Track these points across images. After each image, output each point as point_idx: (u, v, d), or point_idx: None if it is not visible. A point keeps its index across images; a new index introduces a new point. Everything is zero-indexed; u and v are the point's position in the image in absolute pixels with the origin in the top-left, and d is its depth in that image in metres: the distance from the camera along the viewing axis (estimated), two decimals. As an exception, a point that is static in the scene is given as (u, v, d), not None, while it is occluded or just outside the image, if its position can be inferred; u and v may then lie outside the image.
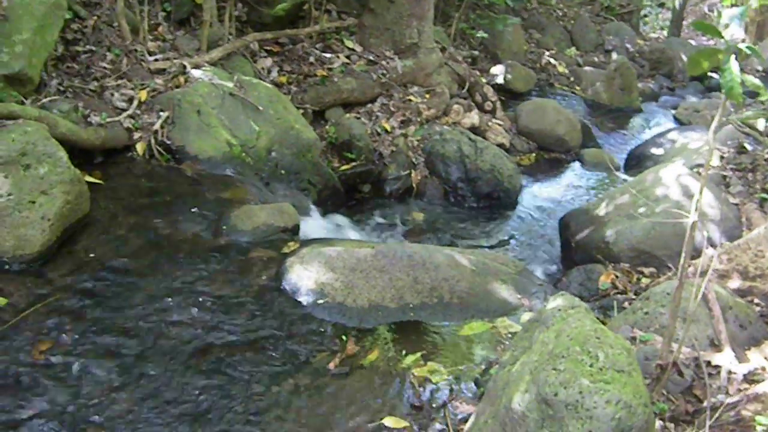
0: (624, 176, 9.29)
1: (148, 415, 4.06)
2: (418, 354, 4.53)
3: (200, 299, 4.82)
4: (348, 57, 9.16)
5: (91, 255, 5.14)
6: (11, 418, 3.98)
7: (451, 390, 4.30)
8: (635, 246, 6.13)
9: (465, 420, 4.00)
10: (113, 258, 5.11)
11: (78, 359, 4.35)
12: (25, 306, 4.67)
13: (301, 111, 7.67)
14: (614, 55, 14.62)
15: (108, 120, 6.29)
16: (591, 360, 3.07)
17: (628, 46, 15.75)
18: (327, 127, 8.12)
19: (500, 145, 9.07)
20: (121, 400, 4.12)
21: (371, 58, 9.25)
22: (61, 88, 6.43)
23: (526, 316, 4.91)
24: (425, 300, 4.89)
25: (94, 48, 7.04)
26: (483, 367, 4.48)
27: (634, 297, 5.51)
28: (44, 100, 6.08)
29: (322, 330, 4.67)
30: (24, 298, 4.74)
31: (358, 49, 9.41)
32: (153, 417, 4.05)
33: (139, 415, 4.05)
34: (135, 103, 6.61)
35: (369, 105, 8.75)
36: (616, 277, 5.90)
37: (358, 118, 8.34)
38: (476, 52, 12.24)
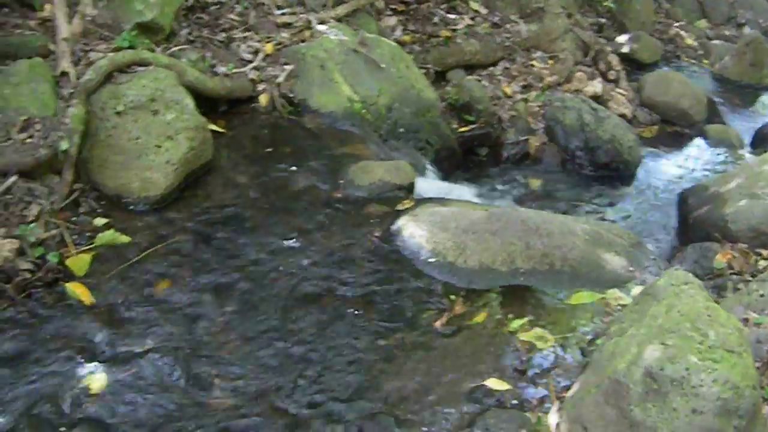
0: (749, 155, 8.99)
1: (257, 355, 4.21)
2: (525, 319, 4.51)
3: (314, 249, 4.93)
4: (472, 19, 9.09)
5: (212, 200, 5.31)
6: (129, 351, 4.18)
7: (556, 357, 4.27)
8: (755, 226, 5.93)
9: (568, 388, 3.98)
10: (232, 204, 5.27)
11: (193, 299, 4.51)
12: (146, 245, 4.87)
13: (423, 71, 7.66)
14: (747, 30, 14.06)
15: (234, 71, 6.43)
16: (701, 337, 3.02)
17: (762, 20, 15.14)
18: (448, 88, 8.09)
19: (622, 116, 8.87)
20: (232, 340, 4.28)
21: (496, 20, 9.16)
22: (191, 38, 6.59)
23: (637, 290, 4.83)
24: (536, 266, 4.86)
25: (223, 0, 7.18)
26: (590, 337, 4.43)
27: (750, 279, 5.36)
28: (174, 49, 6.26)
29: (431, 288, 4.70)
30: (146, 238, 4.94)
31: (483, 11, 9.33)
32: (261, 357, 4.19)
33: (248, 355, 4.20)
34: (260, 55, 6.74)
35: (491, 68, 8.68)
36: (733, 257, 5.73)
37: (479, 81, 8.29)
38: (603, 20, 11.95)
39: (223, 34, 6.85)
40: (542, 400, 3.98)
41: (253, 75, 6.52)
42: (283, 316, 4.44)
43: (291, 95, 6.50)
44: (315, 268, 4.78)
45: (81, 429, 3.68)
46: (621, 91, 9.62)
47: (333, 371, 4.13)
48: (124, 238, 4.88)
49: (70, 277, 4.59)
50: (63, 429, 3.70)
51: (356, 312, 4.49)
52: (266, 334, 4.33)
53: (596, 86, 9.12)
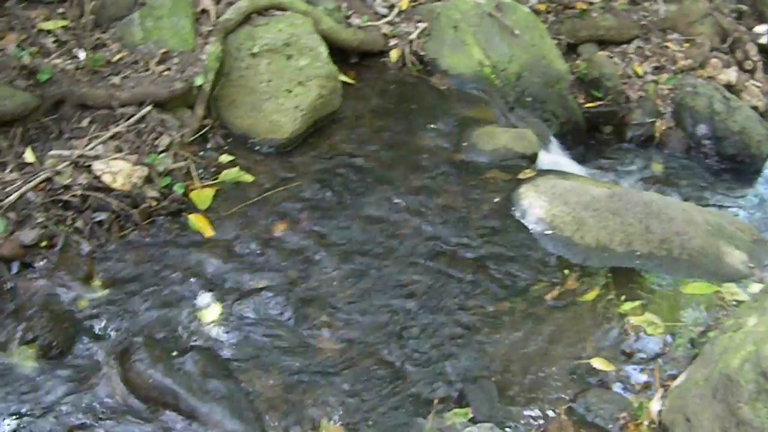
0: None
1: (367, 305, 4.27)
2: (637, 303, 4.44)
3: (431, 208, 4.95)
4: (610, -7, 8.90)
5: (335, 149, 5.36)
6: (243, 286, 4.29)
7: (664, 344, 4.20)
8: None
9: (674, 377, 3.92)
10: (355, 156, 5.32)
11: (309, 244, 4.59)
12: (268, 186, 4.97)
13: (555, 41, 7.54)
14: None
15: (367, 23, 6.45)
16: (823, 341, 2.94)
17: None
18: (578, 61, 7.94)
19: (754, 108, 8.57)
20: (344, 288, 4.35)
21: (634, -3, 8.95)
22: (328, -13, 6.63)
23: (755, 287, 4.70)
24: (654, 250, 4.77)
25: (363, -50, 7.20)
26: (701, 328, 4.34)
27: None
28: (311, -4, 6.31)
29: (546, 260, 4.67)
30: (269, 180, 5.03)
31: (623, -14, 9.12)
32: (371, 308, 4.26)
33: (358, 305, 4.27)
34: (395, 10, 6.73)
35: (624, 45, 8.47)
36: None
37: (611, 58, 8.11)
38: (744, 7, 11.56)
39: (361, -14, 6.87)
40: (646, 386, 3.94)
41: (386, 30, 6.52)
42: (395, 271, 4.49)
43: (422, 53, 6.49)
44: (431, 227, 4.80)
45: (192, 355, 3.79)
46: (756, 82, 9.30)
47: (440, 330, 4.16)
48: (248, 177, 4.98)
49: (193, 209, 4.73)
50: (175, 353, 3.82)
51: (469, 275, 4.50)
52: (378, 286, 4.38)
53: (731, 75, 8.83)
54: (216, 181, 4.92)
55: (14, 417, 3.57)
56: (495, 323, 4.24)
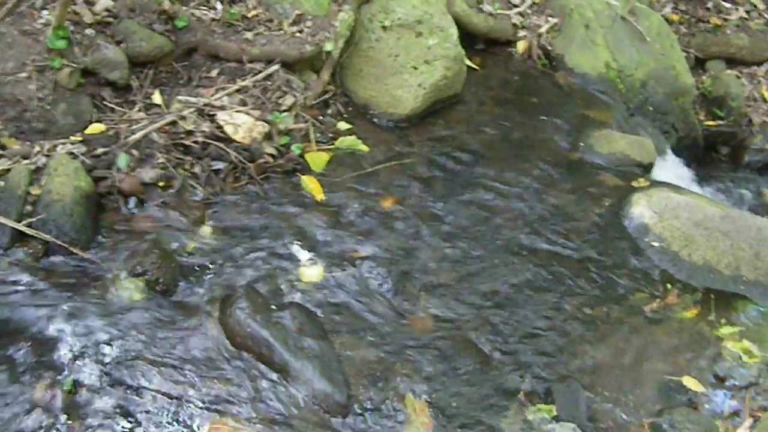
0: None
1: (464, 288, 4.31)
2: (736, 328, 4.37)
3: (540, 202, 4.94)
4: (747, 12, 8.67)
5: (451, 132, 5.39)
6: (347, 252, 4.37)
7: (759, 375, 4.13)
8: None
9: (765, 409, 3.87)
10: (470, 140, 5.34)
11: (415, 220, 4.63)
12: (382, 159, 5.03)
13: (684, 54, 7.41)
14: None
15: (498, 11, 6.44)
16: None
17: None
18: (704, 77, 7.80)
19: None
20: (444, 268, 4.39)
21: (772, 19, 8.72)
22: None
23: None
24: (761, 278, 4.67)
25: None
26: (801, 364, 4.27)
27: None
28: (447, -24, 6.32)
29: (648, 271, 4.61)
30: (383, 153, 5.09)
31: (761, 6, 8.88)
32: (468, 292, 4.29)
33: (455, 286, 4.31)
34: (528, 1, 6.71)
35: (754, 67, 8.27)
36: None
37: (739, 78, 7.93)
38: None
39: (498, -27, 6.86)
40: (735, 413, 3.88)
41: (516, 20, 6.51)
42: (496, 259, 4.50)
43: (549, 48, 6.46)
44: (538, 222, 4.79)
45: (290, 311, 3.88)
46: None
47: (534, 324, 4.17)
48: (363, 147, 5.04)
49: (307, 171, 4.81)
50: (274, 307, 3.91)
51: (569, 274, 4.48)
52: (477, 271, 4.41)
53: None
54: (332, 146, 4.99)
55: (115, 343, 3.71)
56: (590, 326, 4.22)
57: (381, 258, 4.33)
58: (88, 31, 4.80)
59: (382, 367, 3.82)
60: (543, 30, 6.49)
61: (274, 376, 3.66)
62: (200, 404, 3.53)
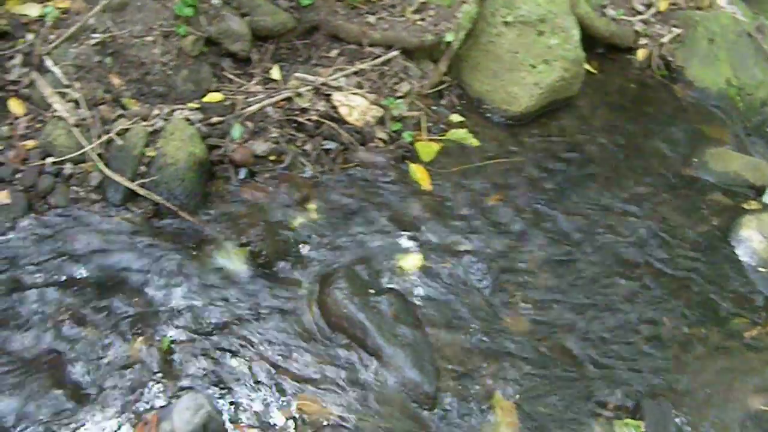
0: None
1: (563, 294, 4.29)
2: (839, 366, 4.26)
3: (647, 215, 4.87)
4: None
5: (564, 135, 5.34)
6: (448, 245, 4.39)
7: None
8: None
9: None
10: (582, 145, 5.28)
11: (519, 219, 4.61)
12: (491, 155, 5.02)
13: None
14: None
15: (622, 17, 6.33)
16: None
17: None
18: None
19: None
20: (544, 270, 4.38)
21: None
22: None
23: None
24: None
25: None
26: None
27: None
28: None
29: (752, 297, 4.51)
30: (493, 148, 5.07)
31: None
32: (566, 298, 4.27)
33: (554, 290, 4.30)
34: (653, 10, 6.57)
35: None
36: None
37: None
38: None
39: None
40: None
41: (638, 27, 6.39)
42: (598, 267, 4.46)
43: (669, 59, 6.32)
44: (642, 234, 4.73)
45: (387, 297, 3.91)
46: None
47: (629, 338, 4.12)
48: (474, 141, 5.02)
49: (416, 159, 4.82)
50: (372, 290, 3.95)
51: (669, 291, 4.41)
52: (576, 278, 4.37)
53: None
54: (443, 137, 4.99)
55: (213, 309, 3.80)
56: (686, 346, 4.15)
57: (482, 253, 4.33)
58: (215, 1, 4.87)
59: (473, 363, 3.82)
60: (665, 40, 6.36)
61: (366, 359, 3.70)
62: (290, 379, 3.60)
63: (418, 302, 4.01)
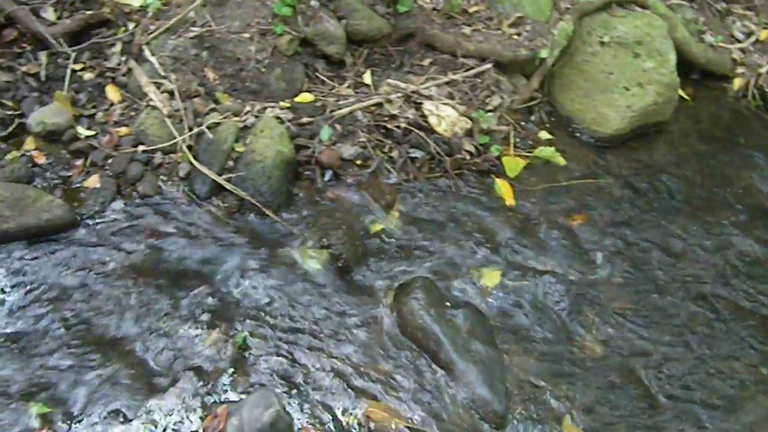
0: None
1: (638, 322, 4.23)
2: None
3: (730, 249, 4.77)
4: None
5: (652, 160, 5.27)
6: (528, 263, 4.37)
7: None
8: None
9: None
10: (670, 173, 5.19)
11: (602, 243, 4.58)
12: (577, 175, 4.98)
13: None
14: None
15: (720, 44, 6.21)
16: None
17: None
18: None
19: None
20: (622, 297, 4.34)
21: None
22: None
23: None
24: None
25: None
26: None
27: None
28: (672, 1, 6.13)
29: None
30: (580, 169, 5.03)
31: None
32: (640, 326, 4.22)
33: (630, 318, 4.24)
34: (752, 38, 6.44)
35: None
36: None
37: None
38: None
39: (723, 4, 6.60)
40: None
41: (736, 55, 6.26)
42: (678, 298, 4.39)
43: (767, 90, 6.18)
44: (726, 268, 4.63)
45: (463, 311, 3.90)
46: None
47: (704, 374, 4.04)
48: (560, 160, 4.98)
49: (501, 174, 4.80)
50: (448, 303, 3.94)
51: (750, 330, 4.31)
52: (654, 308, 4.30)
53: None
54: (530, 154, 4.96)
55: (289, 308, 3.85)
56: (762, 386, 4.05)
57: (561, 275, 4.29)
58: (313, 3, 4.92)
59: (544, 383, 3.79)
60: (763, 70, 6.22)
61: (438, 372, 3.70)
62: (361, 385, 3.61)
63: (493, 319, 3.99)
